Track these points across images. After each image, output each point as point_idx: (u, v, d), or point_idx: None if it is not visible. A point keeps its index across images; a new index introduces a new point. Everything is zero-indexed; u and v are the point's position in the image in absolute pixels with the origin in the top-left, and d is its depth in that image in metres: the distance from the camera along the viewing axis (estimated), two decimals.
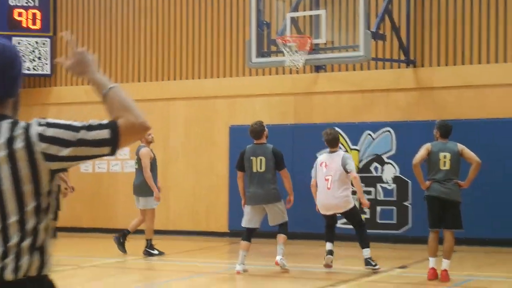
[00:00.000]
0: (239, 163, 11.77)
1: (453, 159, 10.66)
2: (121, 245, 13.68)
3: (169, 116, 17.43)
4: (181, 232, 17.07)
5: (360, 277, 11.09)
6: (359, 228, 11.61)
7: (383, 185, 15.32)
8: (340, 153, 11.71)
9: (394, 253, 13.80)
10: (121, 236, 13.76)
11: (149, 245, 13.54)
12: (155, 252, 13.53)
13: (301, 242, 14.91)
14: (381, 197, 15.32)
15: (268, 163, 11.44)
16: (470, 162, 10.68)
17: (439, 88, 15.03)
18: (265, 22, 14.53)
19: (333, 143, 11.69)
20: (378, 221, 15.29)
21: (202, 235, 16.81)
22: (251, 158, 11.55)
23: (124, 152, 17.73)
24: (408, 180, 14.81)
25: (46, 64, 18.56)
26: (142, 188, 13.46)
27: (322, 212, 11.66)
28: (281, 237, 11.50)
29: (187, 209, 17.19)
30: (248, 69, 16.49)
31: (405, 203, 15.07)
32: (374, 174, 15.36)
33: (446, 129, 10.91)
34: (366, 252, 11.36)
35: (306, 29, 15.25)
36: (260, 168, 11.45)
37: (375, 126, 15.35)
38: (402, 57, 15.19)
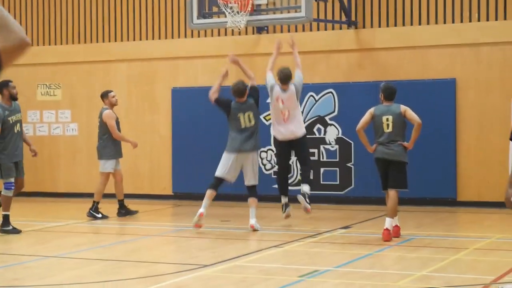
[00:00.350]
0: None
1: (395, 121, 10.77)
2: (126, 211, 13.94)
3: (109, 78, 17.23)
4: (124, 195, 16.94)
5: (304, 237, 11.17)
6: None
7: (326, 146, 15.40)
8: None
9: (337, 214, 13.94)
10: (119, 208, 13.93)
11: (95, 208, 13.53)
12: (99, 215, 13.48)
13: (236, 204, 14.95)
14: (324, 158, 15.41)
15: (255, 116, 12.12)
16: (412, 123, 10.80)
17: (380, 49, 15.11)
18: None
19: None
20: (322, 182, 15.39)
21: (145, 198, 16.75)
22: (239, 115, 11.99)
23: (66, 115, 17.51)
24: (351, 141, 14.93)
25: None
26: (100, 152, 13.71)
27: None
28: (255, 200, 12.04)
29: (130, 172, 17.07)
30: (190, 31, 16.37)
31: (348, 164, 15.19)
32: (317, 135, 15.43)
33: (390, 92, 11.00)
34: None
35: None
36: (250, 122, 12.03)
37: (317, 88, 15.39)
38: (344, 19, 15.21)
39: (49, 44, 17.89)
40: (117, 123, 13.80)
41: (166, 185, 16.74)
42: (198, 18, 14.34)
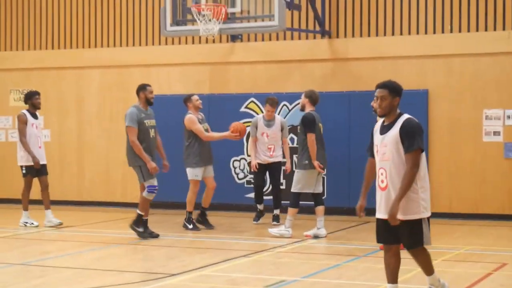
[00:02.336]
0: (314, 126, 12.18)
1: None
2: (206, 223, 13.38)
3: (82, 85, 17.15)
4: (96, 203, 16.89)
5: (273, 247, 11.15)
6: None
7: None
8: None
9: (309, 224, 13.89)
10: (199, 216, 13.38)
11: (188, 218, 13.15)
12: (190, 226, 13.04)
13: (216, 213, 14.92)
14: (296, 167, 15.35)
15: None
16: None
17: (353, 59, 15.14)
18: None
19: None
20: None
21: (118, 205, 16.66)
22: (320, 124, 12.33)
23: (9, 121, 17.41)
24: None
25: None
26: (185, 160, 13.20)
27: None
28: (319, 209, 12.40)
29: (102, 179, 17.00)
30: (164, 38, 16.33)
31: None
32: (291, 145, 15.39)
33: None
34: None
35: None
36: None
37: (291, 97, 15.38)
38: (317, 28, 15.22)
39: (22, 49, 17.78)
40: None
41: (139, 193, 16.60)
42: (171, 25, 14.30)
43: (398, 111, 6.86)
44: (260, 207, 13.90)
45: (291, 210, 12.13)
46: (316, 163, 11.93)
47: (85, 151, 16.96)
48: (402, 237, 6.83)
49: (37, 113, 13.79)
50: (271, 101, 13.64)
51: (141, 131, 11.91)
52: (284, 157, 13.90)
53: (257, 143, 13.66)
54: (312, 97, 12.34)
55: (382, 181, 6.76)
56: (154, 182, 11.98)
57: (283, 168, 14.01)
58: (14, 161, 17.17)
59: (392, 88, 6.85)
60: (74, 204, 16.86)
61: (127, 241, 12.02)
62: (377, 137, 6.90)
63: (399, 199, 6.61)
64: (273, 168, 13.77)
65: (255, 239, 12.16)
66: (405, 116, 6.82)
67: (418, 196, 6.71)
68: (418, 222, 6.78)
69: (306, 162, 12.06)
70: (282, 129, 13.76)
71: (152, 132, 12.08)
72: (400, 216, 6.67)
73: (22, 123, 13.39)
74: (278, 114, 15.52)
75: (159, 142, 12.49)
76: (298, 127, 12.43)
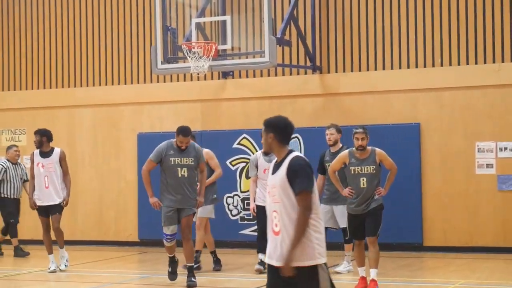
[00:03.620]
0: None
1: None
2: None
3: (74, 123, 17.14)
4: (89, 242, 16.79)
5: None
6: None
7: None
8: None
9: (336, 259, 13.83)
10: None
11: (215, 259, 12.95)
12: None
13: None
14: None
15: None
16: None
17: (344, 94, 15.16)
18: (170, 28, 14.40)
19: None
20: None
21: (111, 244, 16.56)
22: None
23: None
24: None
25: None
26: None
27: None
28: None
29: (95, 218, 16.92)
30: (155, 76, 16.36)
31: None
32: None
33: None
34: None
35: (213, 35, 15.19)
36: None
37: None
38: (308, 63, 15.27)
39: (14, 89, 17.80)
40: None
41: (132, 231, 16.57)
42: (162, 63, 14.33)
43: (289, 148, 6.17)
44: (262, 256, 11.99)
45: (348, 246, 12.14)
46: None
47: (78, 190, 16.87)
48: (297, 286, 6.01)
49: (54, 149, 13.17)
50: None
51: (165, 168, 11.27)
52: None
53: (258, 183, 12.26)
54: (341, 133, 12.46)
55: (276, 225, 5.98)
56: (167, 230, 11.22)
57: None
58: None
59: (266, 124, 6.30)
60: (67, 244, 16.74)
61: (120, 280, 11.92)
62: (269, 177, 6.19)
63: (294, 247, 5.83)
64: None
65: (247, 276, 12.04)
66: (293, 154, 6.06)
67: (312, 241, 5.90)
68: (313, 269, 5.94)
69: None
70: None
71: (181, 171, 11.14)
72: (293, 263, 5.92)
73: (31, 162, 13.23)
74: None
75: (201, 178, 11.49)
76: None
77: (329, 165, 11.99)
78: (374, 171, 10.44)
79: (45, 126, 17.14)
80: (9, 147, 15.71)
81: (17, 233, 15.44)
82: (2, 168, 15.33)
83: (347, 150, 10.68)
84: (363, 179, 10.39)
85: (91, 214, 16.99)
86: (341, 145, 12.19)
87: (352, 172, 10.45)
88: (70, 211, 17.04)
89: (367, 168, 10.41)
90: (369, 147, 10.56)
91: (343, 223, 11.87)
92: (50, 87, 17.51)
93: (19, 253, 15.19)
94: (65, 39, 17.42)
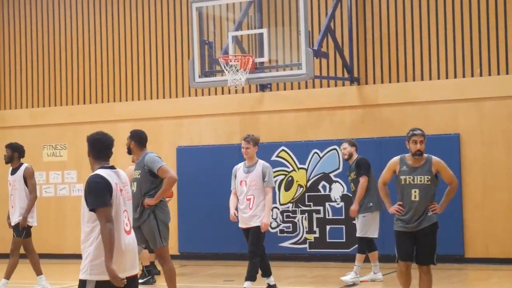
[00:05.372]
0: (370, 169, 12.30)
1: None
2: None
3: (115, 138, 17.16)
4: None
5: None
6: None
7: (332, 203, 15.28)
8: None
9: (344, 272, 13.73)
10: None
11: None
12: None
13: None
14: (329, 215, 15.28)
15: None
16: None
17: (383, 105, 15.07)
18: (207, 42, 14.46)
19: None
20: (328, 240, 15.23)
21: None
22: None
23: (71, 176, 17.51)
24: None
25: None
26: None
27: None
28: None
29: None
30: (194, 90, 16.42)
31: (354, 222, 15.01)
32: (322, 192, 15.33)
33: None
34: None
35: (250, 48, 15.22)
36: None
37: (321, 145, 15.33)
38: (346, 75, 15.22)
39: (55, 105, 17.99)
40: None
41: (172, 244, 16.55)
42: (200, 76, 14.39)
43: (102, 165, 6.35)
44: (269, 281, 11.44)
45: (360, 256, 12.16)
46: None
47: None
48: None
49: (21, 165, 11.94)
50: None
51: None
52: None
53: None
54: (356, 145, 12.60)
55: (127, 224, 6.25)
56: None
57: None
58: (48, 216, 17.36)
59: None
60: None
61: None
62: None
63: (110, 259, 5.95)
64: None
65: None
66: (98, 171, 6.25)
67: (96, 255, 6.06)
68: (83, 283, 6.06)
69: (371, 204, 11.96)
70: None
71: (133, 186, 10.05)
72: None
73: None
74: (309, 161, 15.48)
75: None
76: (352, 173, 12.38)
77: (348, 179, 12.54)
78: (429, 182, 8.97)
79: (85, 142, 17.36)
80: None
81: None
82: None
83: (398, 156, 9.16)
84: (415, 191, 8.94)
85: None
86: (356, 156, 12.48)
87: (403, 182, 8.99)
88: None
89: (421, 178, 8.97)
90: (424, 155, 9.10)
91: (360, 231, 12.11)
92: (90, 102, 17.67)
93: None
94: (104, 54, 17.58)
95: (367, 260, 12.33)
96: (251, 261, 10.94)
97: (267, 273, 11.29)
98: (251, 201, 10.91)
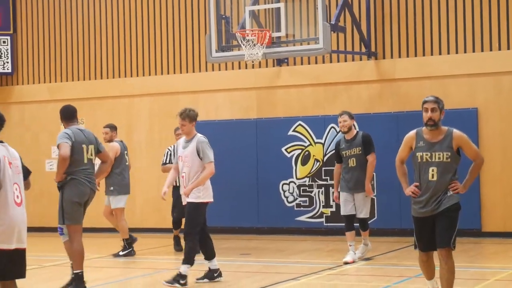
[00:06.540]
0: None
1: None
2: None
3: (132, 113, 17.32)
4: (147, 229, 16.96)
5: (323, 270, 11.05)
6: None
7: None
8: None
9: (359, 246, 13.78)
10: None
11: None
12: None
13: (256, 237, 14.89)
14: None
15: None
16: None
17: (400, 79, 15.03)
18: (224, 16, 14.44)
19: None
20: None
21: (168, 232, 16.67)
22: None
23: None
24: (373, 173, 14.76)
25: (7, 62, 18.34)
26: None
27: None
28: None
29: (153, 206, 17.07)
30: (210, 64, 16.43)
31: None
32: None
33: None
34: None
35: (267, 22, 15.19)
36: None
37: None
38: (363, 49, 15.16)
39: (72, 80, 18.04)
40: None
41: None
42: (216, 51, 14.37)
43: None
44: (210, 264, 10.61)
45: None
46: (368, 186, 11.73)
47: (135, 179, 17.04)
48: None
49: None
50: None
51: None
52: None
53: None
54: (355, 118, 12.19)
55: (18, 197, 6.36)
56: None
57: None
58: None
59: None
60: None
61: (177, 266, 12.02)
62: None
63: None
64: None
65: (304, 262, 12.05)
66: None
67: None
68: None
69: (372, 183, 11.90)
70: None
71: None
72: None
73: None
74: (326, 136, 15.48)
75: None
76: (357, 148, 11.86)
77: (345, 153, 11.87)
78: (449, 160, 7.68)
79: (103, 116, 17.45)
80: None
81: None
82: None
83: (414, 130, 7.95)
84: (432, 170, 7.69)
85: (148, 201, 17.16)
86: (355, 131, 12.06)
87: (419, 160, 7.77)
88: (129, 199, 17.25)
89: (439, 155, 7.71)
90: (444, 127, 7.82)
91: (361, 212, 11.78)
92: (107, 77, 17.72)
93: None
94: (121, 29, 17.59)
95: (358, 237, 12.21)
96: (186, 244, 10.18)
97: (209, 256, 10.46)
98: (184, 177, 10.13)
